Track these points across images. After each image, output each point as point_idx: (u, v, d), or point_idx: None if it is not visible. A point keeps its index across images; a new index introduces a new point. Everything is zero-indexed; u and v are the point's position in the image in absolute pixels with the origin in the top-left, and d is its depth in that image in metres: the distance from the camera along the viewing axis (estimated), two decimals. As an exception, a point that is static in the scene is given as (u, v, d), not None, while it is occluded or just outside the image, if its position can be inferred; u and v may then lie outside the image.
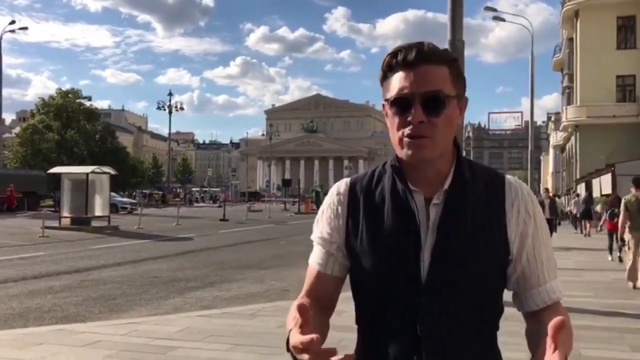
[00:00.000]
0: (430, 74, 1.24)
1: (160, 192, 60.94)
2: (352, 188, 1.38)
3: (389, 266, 1.27)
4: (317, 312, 1.30)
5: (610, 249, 13.47)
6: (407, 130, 1.24)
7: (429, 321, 1.23)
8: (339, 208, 1.37)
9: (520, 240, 1.30)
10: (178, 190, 69.06)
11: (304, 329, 1.08)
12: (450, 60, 1.30)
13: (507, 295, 1.37)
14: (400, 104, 1.25)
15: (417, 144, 1.24)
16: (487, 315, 1.31)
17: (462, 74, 1.32)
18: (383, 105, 1.35)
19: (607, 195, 21.61)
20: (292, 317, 1.17)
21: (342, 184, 1.41)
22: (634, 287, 9.40)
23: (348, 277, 1.42)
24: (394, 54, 1.29)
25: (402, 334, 1.26)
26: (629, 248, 9.90)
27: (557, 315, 1.25)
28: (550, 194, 21.35)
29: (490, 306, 1.31)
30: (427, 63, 1.25)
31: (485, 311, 1.30)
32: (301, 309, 1.10)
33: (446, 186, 1.29)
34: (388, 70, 1.30)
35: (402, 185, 1.30)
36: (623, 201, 10.28)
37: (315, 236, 1.41)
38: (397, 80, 1.26)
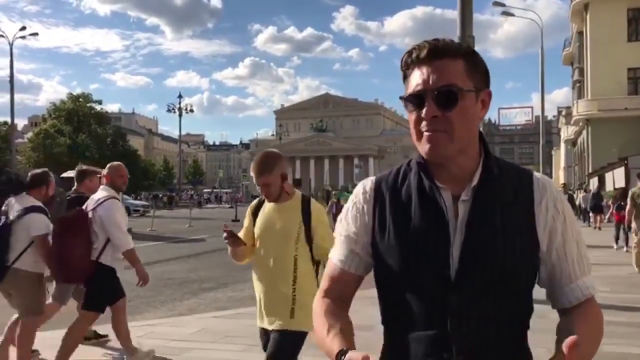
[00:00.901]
0: (443, 69, 1.25)
1: (167, 194, 60.98)
2: (378, 186, 1.38)
3: (418, 263, 1.26)
4: (342, 312, 1.33)
5: (617, 239, 14.35)
6: (423, 127, 1.25)
7: (459, 318, 1.22)
8: (365, 206, 1.37)
9: (550, 237, 1.29)
10: (183, 193, 68.61)
11: None
12: (466, 53, 1.29)
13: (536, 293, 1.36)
14: (414, 100, 1.26)
15: (434, 139, 1.24)
16: (518, 313, 1.30)
17: (481, 66, 1.31)
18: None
19: (616, 189, 21.46)
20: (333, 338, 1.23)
21: (368, 182, 1.41)
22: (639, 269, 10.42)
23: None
24: (409, 52, 1.30)
25: (432, 331, 1.25)
26: (635, 234, 10.82)
27: (587, 314, 1.27)
28: (569, 189, 21.07)
29: (521, 304, 1.30)
30: (440, 58, 1.25)
31: (516, 309, 1.29)
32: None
33: (474, 182, 1.28)
34: (405, 69, 1.31)
35: (429, 182, 1.30)
36: (630, 193, 11.37)
37: (339, 233, 1.41)
38: (413, 78, 1.28)
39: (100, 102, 63.58)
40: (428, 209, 1.28)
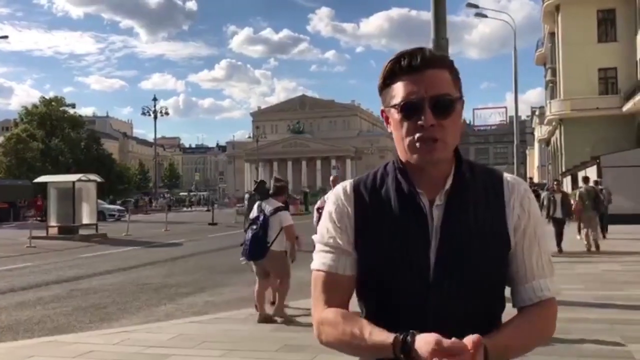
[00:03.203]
0: (437, 78, 1.27)
1: (132, 199, 59.44)
2: (357, 188, 1.39)
3: (399, 265, 1.29)
4: (355, 314, 1.33)
5: (579, 229, 15.47)
6: (417, 135, 1.26)
7: (439, 319, 1.24)
8: (347, 207, 1.37)
9: (515, 236, 1.33)
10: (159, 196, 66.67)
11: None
12: (450, 64, 1.33)
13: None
14: (409, 108, 1.27)
15: (430, 148, 1.26)
16: (494, 312, 1.33)
17: (459, 77, 1.35)
18: (382, 112, 1.36)
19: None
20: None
21: (347, 185, 1.42)
22: (589, 250, 13.10)
23: None
24: (396, 60, 1.30)
25: (412, 330, 1.25)
26: (582, 226, 13.99)
27: (530, 313, 1.31)
28: (563, 188, 16.76)
29: (496, 302, 1.34)
30: (432, 67, 1.27)
31: (492, 307, 1.33)
32: None
33: (447, 187, 1.32)
34: (390, 77, 1.31)
35: (409, 186, 1.32)
36: (577, 192, 14.07)
37: (322, 238, 1.39)
38: (403, 86, 1.28)
39: (73, 106, 62.80)
40: (408, 212, 1.31)
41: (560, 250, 12.88)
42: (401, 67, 1.29)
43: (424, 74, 1.26)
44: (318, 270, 1.38)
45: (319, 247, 1.40)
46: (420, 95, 1.25)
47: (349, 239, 1.36)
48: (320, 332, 1.34)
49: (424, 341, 1.11)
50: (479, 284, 1.28)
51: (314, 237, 1.44)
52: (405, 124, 1.28)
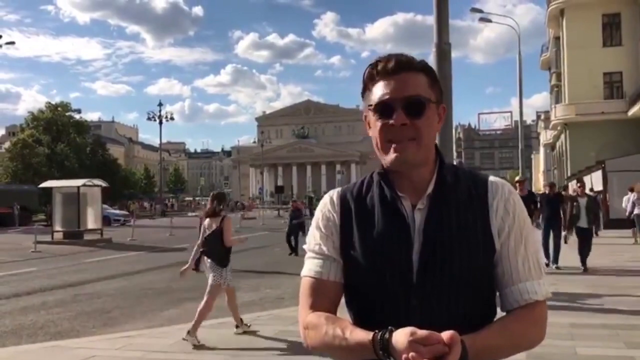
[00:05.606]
0: (409, 80, 1.31)
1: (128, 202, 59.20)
2: (343, 197, 1.42)
3: (383, 268, 1.30)
4: (339, 317, 1.33)
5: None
6: (390, 135, 1.30)
7: (423, 321, 1.22)
8: (333, 216, 1.41)
9: (499, 238, 1.33)
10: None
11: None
12: (426, 68, 1.36)
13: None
14: (382, 109, 1.31)
15: (403, 148, 1.29)
16: (480, 315, 1.32)
17: (437, 81, 1.38)
18: (365, 117, 1.40)
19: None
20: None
21: (334, 194, 1.45)
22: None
23: None
24: (374, 65, 1.35)
25: None
26: None
27: (514, 315, 1.30)
28: (587, 190, 13.99)
29: (483, 306, 1.33)
30: (406, 71, 1.32)
31: (478, 311, 1.31)
32: None
33: (429, 191, 1.33)
34: (369, 81, 1.36)
35: (390, 191, 1.35)
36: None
37: (310, 245, 1.42)
38: (378, 89, 1.33)
39: (79, 111, 63.27)
40: (390, 217, 1.33)
41: (585, 269, 10.94)
42: (378, 71, 1.34)
43: (399, 76, 1.31)
44: (305, 276, 1.40)
45: (307, 254, 1.42)
46: (393, 96, 1.30)
47: (334, 245, 1.38)
48: (305, 336, 1.35)
49: (401, 334, 1.12)
50: (463, 287, 1.28)
51: (304, 246, 1.46)
52: (379, 124, 1.32)
